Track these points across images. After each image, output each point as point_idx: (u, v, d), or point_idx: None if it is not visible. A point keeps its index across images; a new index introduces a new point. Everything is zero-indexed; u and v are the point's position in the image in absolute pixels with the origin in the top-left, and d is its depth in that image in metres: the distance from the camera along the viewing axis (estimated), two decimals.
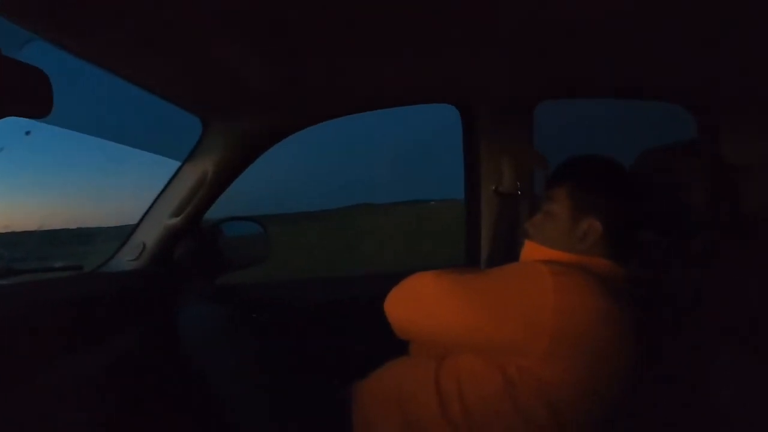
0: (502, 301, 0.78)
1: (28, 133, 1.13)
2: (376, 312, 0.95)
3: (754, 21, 0.79)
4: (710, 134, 1.31)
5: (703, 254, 0.97)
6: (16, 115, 0.59)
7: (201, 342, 1.04)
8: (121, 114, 1.42)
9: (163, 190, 1.26)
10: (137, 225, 1.27)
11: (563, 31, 0.87)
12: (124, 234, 1.30)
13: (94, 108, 1.41)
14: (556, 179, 0.92)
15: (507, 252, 1.21)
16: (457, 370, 0.82)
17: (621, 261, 0.85)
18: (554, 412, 0.74)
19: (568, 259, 0.84)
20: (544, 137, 1.26)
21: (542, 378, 0.74)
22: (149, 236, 1.24)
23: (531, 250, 0.91)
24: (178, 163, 1.25)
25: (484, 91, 1.22)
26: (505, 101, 1.23)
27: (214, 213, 1.28)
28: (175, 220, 1.22)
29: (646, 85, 1.24)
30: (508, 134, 1.23)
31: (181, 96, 1.10)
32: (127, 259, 1.24)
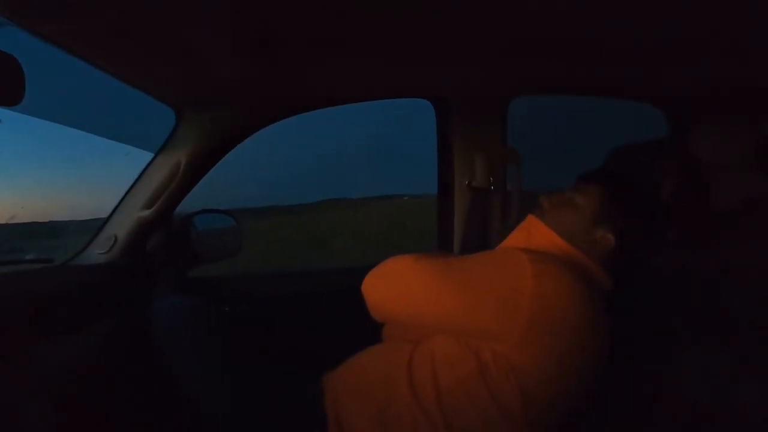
0: (480, 286, 0.80)
1: None
2: (348, 304, 0.95)
3: (725, 21, 0.81)
4: (681, 132, 1.34)
5: (675, 249, 1.00)
6: None
7: (171, 334, 1.03)
8: (94, 104, 1.39)
9: (135, 182, 1.24)
10: (108, 217, 1.25)
11: (538, 28, 0.88)
12: (96, 227, 1.28)
13: (66, 97, 1.38)
14: (597, 176, 0.93)
15: (480, 246, 1.22)
16: (431, 355, 0.83)
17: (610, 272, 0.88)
18: (526, 397, 0.75)
19: (568, 250, 0.86)
20: (517, 133, 1.27)
21: (516, 363, 0.75)
22: (121, 229, 1.22)
23: (535, 228, 0.92)
24: (150, 155, 1.23)
25: (458, 87, 1.23)
26: (479, 97, 1.24)
27: (187, 205, 1.27)
28: (146, 213, 1.20)
29: (619, 83, 1.26)
30: (481, 129, 1.24)
31: (155, 86, 1.09)
32: (98, 252, 1.22)
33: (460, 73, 1.17)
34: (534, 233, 0.91)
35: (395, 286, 0.88)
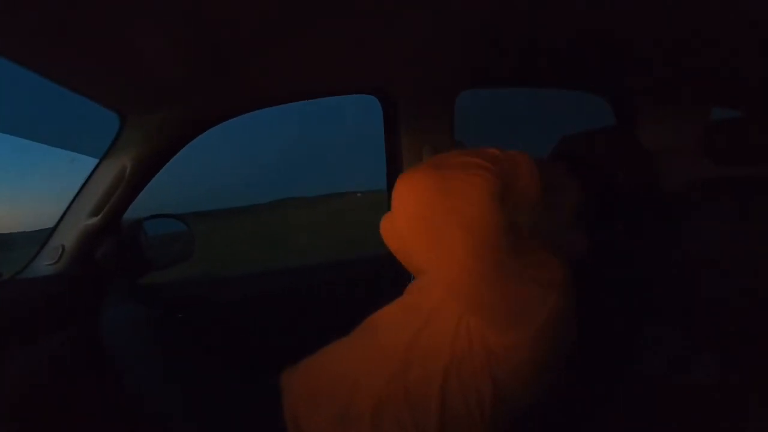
0: None
1: None
2: (306, 303, 0.96)
3: (668, 9, 0.84)
4: (627, 122, 1.39)
5: (624, 236, 1.03)
6: None
7: (122, 343, 1.02)
8: (35, 111, 1.35)
9: (80, 189, 1.21)
10: (55, 227, 1.22)
11: (482, 21, 0.90)
12: (43, 237, 1.24)
13: (6, 104, 1.34)
14: (572, 165, 0.90)
15: None
16: (401, 348, 0.83)
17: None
18: (496, 383, 0.76)
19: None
20: (464, 126, 1.29)
21: (491, 348, 0.76)
22: (68, 238, 1.19)
23: None
24: (95, 161, 1.20)
25: (404, 82, 1.25)
26: (425, 91, 1.26)
27: (137, 211, 1.25)
28: (94, 220, 1.18)
29: (566, 75, 1.30)
30: (429, 124, 1.26)
31: (97, 91, 1.06)
32: (45, 264, 1.19)
33: (405, 69, 1.19)
34: None
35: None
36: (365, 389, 0.81)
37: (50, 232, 1.23)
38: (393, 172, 1.34)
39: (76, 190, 1.22)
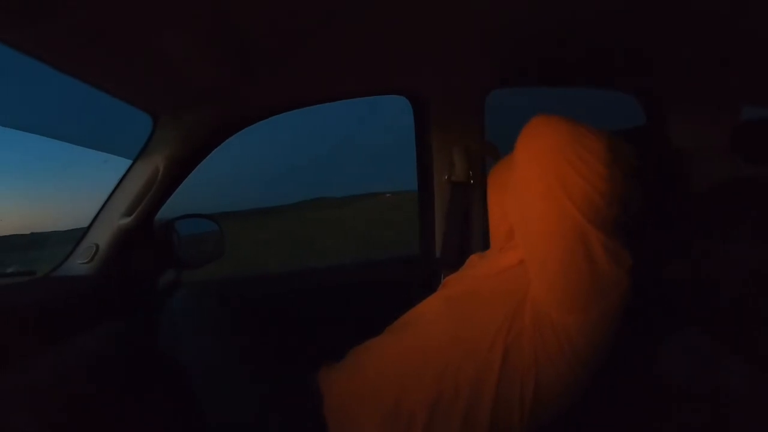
0: None
1: None
2: (333, 303, 0.96)
3: (701, 11, 0.83)
4: (657, 121, 1.36)
5: (654, 237, 1.01)
6: None
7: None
8: (70, 113, 1.37)
9: (114, 190, 1.23)
10: (89, 226, 1.24)
11: (511, 21, 0.89)
12: (76, 237, 1.27)
13: (42, 107, 1.36)
14: None
15: (461, 240, 1.23)
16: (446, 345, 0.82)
17: None
18: (538, 380, 0.76)
19: None
20: (495, 126, 1.28)
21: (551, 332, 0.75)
22: (101, 237, 1.21)
23: None
24: (129, 162, 1.22)
25: (435, 82, 1.24)
26: (456, 91, 1.25)
27: (168, 211, 1.26)
28: (127, 220, 1.20)
29: (596, 74, 1.28)
30: (459, 124, 1.25)
31: (130, 92, 1.08)
32: (79, 262, 1.21)
33: (435, 69, 1.18)
34: None
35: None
36: (414, 388, 0.80)
37: (84, 231, 1.25)
38: (423, 173, 1.33)
39: (109, 191, 1.24)
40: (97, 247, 1.21)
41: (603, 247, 0.71)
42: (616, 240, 0.74)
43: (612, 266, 0.73)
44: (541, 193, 0.72)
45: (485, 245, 1.23)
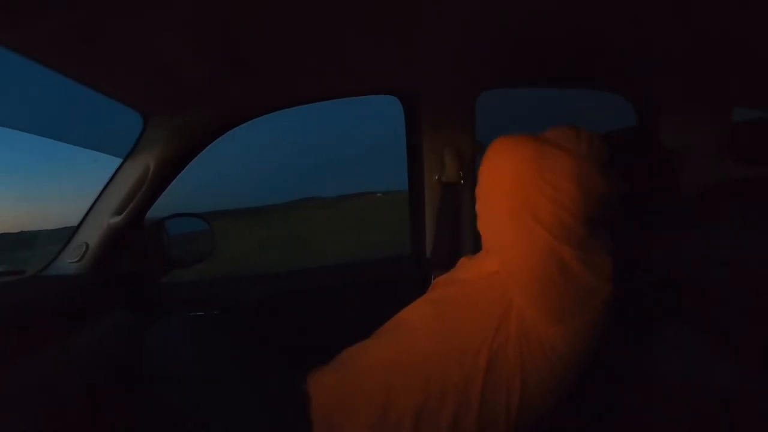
0: None
1: None
2: (324, 303, 0.96)
3: (694, 11, 0.83)
4: (648, 123, 1.37)
5: (645, 235, 1.02)
6: None
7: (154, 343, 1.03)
8: (60, 111, 1.36)
9: (104, 189, 1.22)
10: (79, 225, 1.24)
11: (502, 22, 0.89)
12: (66, 235, 1.26)
13: (31, 104, 1.35)
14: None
15: (451, 240, 1.23)
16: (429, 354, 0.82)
17: None
18: (524, 385, 0.76)
19: None
20: (485, 126, 1.28)
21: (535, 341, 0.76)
22: (91, 236, 1.21)
23: None
24: (119, 160, 1.22)
25: (426, 82, 1.24)
26: (447, 91, 1.25)
27: (158, 211, 1.26)
28: (117, 219, 1.19)
29: (587, 75, 1.28)
30: (450, 124, 1.25)
31: (121, 91, 1.07)
32: (69, 261, 1.20)
33: (427, 69, 1.18)
34: None
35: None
36: (401, 393, 0.80)
37: (74, 230, 1.24)
38: (414, 173, 1.34)
39: (99, 190, 1.23)
40: (87, 246, 1.20)
41: (578, 260, 0.73)
42: (593, 250, 0.76)
43: (590, 277, 0.74)
44: (510, 220, 0.73)
45: (476, 245, 1.23)
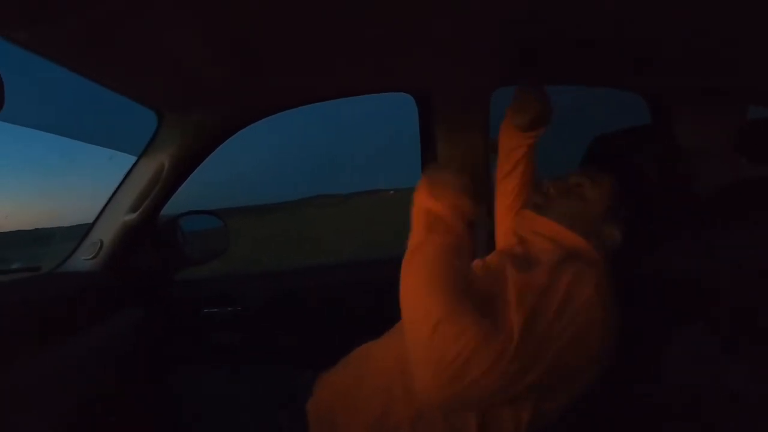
0: None
1: None
2: (338, 300, 0.95)
3: (708, 11, 0.82)
4: (663, 120, 1.36)
5: (658, 235, 1.01)
6: None
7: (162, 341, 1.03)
8: (75, 109, 1.38)
9: (119, 186, 1.23)
10: (93, 223, 1.25)
11: (517, 19, 0.88)
12: (81, 233, 1.27)
13: (47, 103, 1.37)
14: (606, 165, 0.88)
15: None
16: None
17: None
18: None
19: (575, 241, 0.82)
20: (500, 124, 1.27)
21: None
22: (106, 233, 1.22)
23: (534, 222, 0.88)
24: (134, 158, 1.23)
25: (439, 80, 1.23)
26: (461, 89, 1.24)
27: (172, 208, 1.27)
28: (132, 216, 1.20)
29: (602, 72, 1.27)
30: (464, 122, 1.24)
31: (135, 89, 1.08)
32: (84, 258, 1.22)
33: (440, 66, 1.17)
34: (535, 228, 0.87)
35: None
36: (401, 399, 0.78)
37: (89, 227, 1.26)
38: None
39: (114, 187, 1.25)
40: (102, 243, 1.21)
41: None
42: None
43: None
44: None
45: (490, 244, 1.22)
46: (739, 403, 0.72)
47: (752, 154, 1.05)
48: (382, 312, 0.95)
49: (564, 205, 0.85)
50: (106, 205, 1.24)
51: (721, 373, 0.75)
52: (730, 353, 0.76)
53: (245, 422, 0.99)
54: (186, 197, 1.31)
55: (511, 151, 1.06)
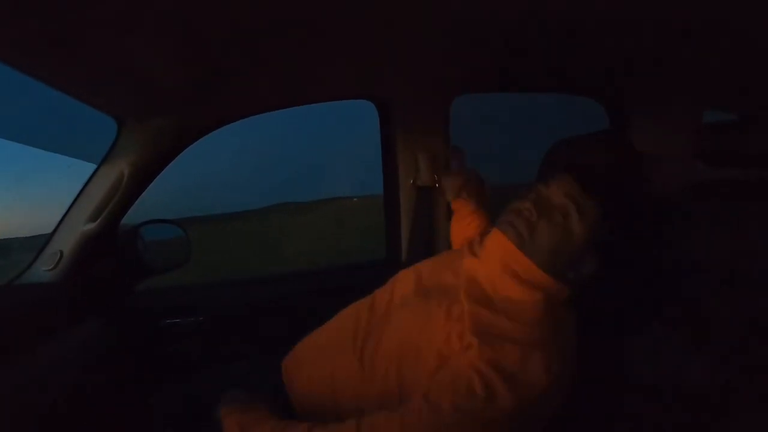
0: None
1: None
2: (301, 309, 0.95)
3: (665, 16, 0.84)
4: (620, 125, 1.40)
5: (616, 239, 1.04)
6: None
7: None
8: (33, 116, 1.34)
9: (78, 195, 1.21)
10: (53, 233, 1.22)
11: (478, 27, 0.90)
12: (40, 243, 1.25)
13: (4, 109, 1.33)
14: (590, 186, 0.77)
15: (426, 244, 1.24)
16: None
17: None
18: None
19: (551, 286, 0.76)
20: (460, 130, 1.30)
21: None
22: (66, 243, 1.19)
23: (511, 258, 0.78)
24: (93, 166, 1.21)
25: (399, 87, 1.25)
26: (421, 96, 1.27)
27: (132, 217, 1.25)
28: (91, 226, 1.18)
29: (560, 79, 1.30)
30: (424, 128, 1.27)
31: (94, 95, 1.06)
32: (43, 269, 1.19)
33: (401, 74, 1.19)
34: (509, 263, 0.78)
35: None
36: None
37: (48, 238, 1.23)
38: (389, 177, 1.35)
39: (73, 196, 1.23)
40: (62, 253, 1.19)
41: None
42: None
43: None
44: None
45: (449, 249, 1.24)
46: (702, 399, 0.74)
47: (708, 158, 1.09)
48: None
49: (546, 239, 0.75)
50: (65, 214, 1.21)
51: (683, 369, 0.78)
52: (693, 352, 0.79)
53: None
54: (146, 206, 1.29)
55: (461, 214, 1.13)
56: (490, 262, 0.80)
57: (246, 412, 0.79)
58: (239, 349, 1.29)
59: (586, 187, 0.77)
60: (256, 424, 0.76)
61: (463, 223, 1.11)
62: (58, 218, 1.23)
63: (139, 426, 1.10)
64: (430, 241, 1.25)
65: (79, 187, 1.22)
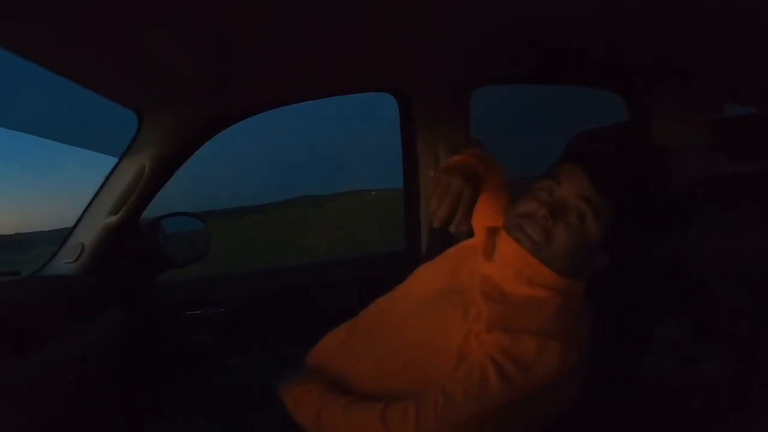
0: None
1: None
2: (320, 299, 0.95)
3: (685, 10, 0.83)
4: (640, 118, 1.38)
5: (634, 233, 1.02)
6: None
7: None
8: (55, 110, 1.36)
9: (100, 188, 1.22)
10: (74, 226, 1.24)
11: (496, 19, 0.90)
12: (60, 237, 1.26)
13: (25, 104, 1.35)
14: (607, 184, 0.75)
15: (446, 238, 1.23)
16: None
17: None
18: None
19: (567, 288, 0.76)
20: (480, 122, 1.29)
21: None
22: (87, 236, 1.21)
23: (526, 266, 0.76)
24: (115, 160, 1.22)
25: (420, 79, 1.25)
26: (441, 88, 1.26)
27: (153, 210, 1.26)
28: (113, 219, 1.19)
29: (580, 72, 1.29)
30: (444, 121, 1.26)
31: (115, 90, 1.07)
32: (65, 262, 1.21)
33: (420, 66, 1.19)
34: (525, 271, 0.77)
35: None
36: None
37: (70, 231, 1.25)
38: (409, 170, 1.34)
39: (95, 190, 1.24)
40: (83, 246, 1.20)
41: None
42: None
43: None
44: None
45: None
46: (717, 396, 0.73)
47: (729, 151, 1.07)
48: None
49: (563, 243, 0.74)
50: (87, 207, 1.23)
51: (698, 366, 0.77)
52: (708, 348, 0.78)
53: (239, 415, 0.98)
54: (167, 199, 1.30)
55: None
56: (505, 269, 0.79)
57: (300, 385, 0.85)
58: (259, 340, 1.30)
59: (605, 181, 0.76)
60: (307, 393, 0.82)
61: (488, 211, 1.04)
62: (80, 212, 1.24)
63: (159, 416, 1.11)
64: (449, 234, 1.24)
65: (101, 181, 1.23)
